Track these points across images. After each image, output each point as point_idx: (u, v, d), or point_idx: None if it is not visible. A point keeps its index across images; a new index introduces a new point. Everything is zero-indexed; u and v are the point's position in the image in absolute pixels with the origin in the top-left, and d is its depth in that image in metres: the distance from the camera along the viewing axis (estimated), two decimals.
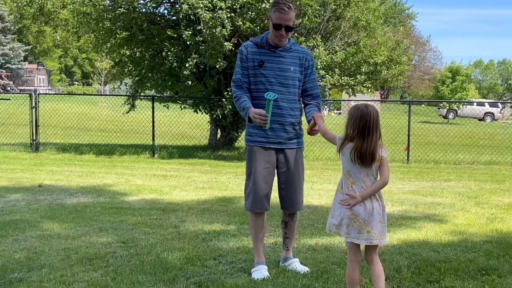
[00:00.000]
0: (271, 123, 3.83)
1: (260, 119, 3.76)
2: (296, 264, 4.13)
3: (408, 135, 13.12)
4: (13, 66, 54.72)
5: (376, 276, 3.25)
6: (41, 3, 14.28)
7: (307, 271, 4.04)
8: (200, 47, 11.83)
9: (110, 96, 19.93)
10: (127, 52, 14.20)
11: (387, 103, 40.15)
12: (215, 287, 3.68)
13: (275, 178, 4.09)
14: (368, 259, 3.28)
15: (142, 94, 14.99)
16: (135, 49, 13.85)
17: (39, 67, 62.06)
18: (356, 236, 3.19)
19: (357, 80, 13.69)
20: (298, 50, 4.09)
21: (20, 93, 21.49)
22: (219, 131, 14.70)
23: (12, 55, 54.58)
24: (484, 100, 47.13)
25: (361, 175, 3.18)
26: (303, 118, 4.12)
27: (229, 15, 11.50)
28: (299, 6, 11.94)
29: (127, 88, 15.06)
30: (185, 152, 13.30)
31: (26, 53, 60.68)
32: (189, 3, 11.37)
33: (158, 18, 13.52)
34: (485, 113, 39.27)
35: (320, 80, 13.69)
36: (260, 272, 3.89)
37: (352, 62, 13.75)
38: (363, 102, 3.52)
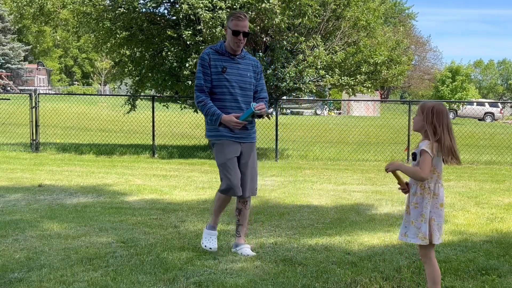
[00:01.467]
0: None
1: (239, 127, 4.41)
2: (246, 249, 4.55)
3: (408, 135, 13.12)
4: (13, 66, 54.69)
5: (438, 275, 3.33)
6: (41, 3, 14.27)
7: (253, 255, 4.47)
8: (200, 47, 11.82)
9: (110, 96, 19.92)
10: (127, 52, 14.20)
11: (387, 103, 40.14)
12: (215, 287, 3.68)
13: None
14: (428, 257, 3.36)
15: (142, 94, 14.99)
16: (135, 49, 13.85)
17: (39, 67, 62.03)
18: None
19: (357, 80, 13.67)
20: (250, 58, 4.68)
21: (20, 93, 21.48)
22: None
23: (12, 55, 54.55)
24: (484, 100, 47.10)
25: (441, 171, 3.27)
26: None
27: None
28: (299, 6, 11.94)
29: (127, 88, 15.05)
30: (185, 152, 13.30)
31: (26, 53, 60.66)
32: (189, 3, 11.36)
33: (158, 18, 13.51)
34: (485, 113, 39.26)
35: (320, 80, 13.69)
36: (209, 240, 4.49)
37: (352, 62, 13.73)
38: (432, 101, 3.59)
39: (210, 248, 4.48)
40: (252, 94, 4.60)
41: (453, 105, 37.10)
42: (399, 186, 3.36)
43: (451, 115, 38.32)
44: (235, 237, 4.69)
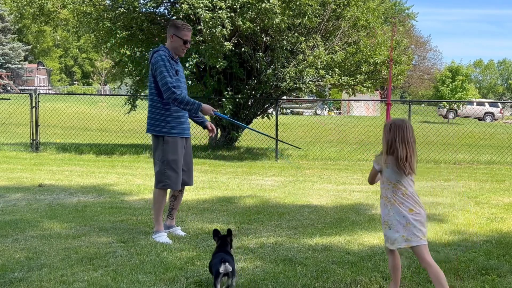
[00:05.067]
0: (183, 118, 5.10)
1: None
2: (178, 230, 5.19)
3: None
4: (13, 66, 54.72)
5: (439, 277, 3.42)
6: (41, 3, 14.25)
7: (186, 234, 5.12)
8: (200, 47, 11.83)
9: (110, 96, 19.90)
10: (127, 52, 14.19)
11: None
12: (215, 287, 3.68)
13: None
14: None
15: (142, 94, 14.99)
16: (135, 49, 13.84)
17: (39, 67, 62.07)
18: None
19: (357, 80, 13.66)
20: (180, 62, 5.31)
21: (20, 93, 21.47)
22: (219, 131, 14.69)
23: (12, 55, 54.57)
24: (484, 100, 47.08)
25: (410, 182, 3.42)
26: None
27: (229, 14, 11.50)
28: (299, 6, 11.93)
29: (127, 88, 15.04)
30: None
31: (26, 53, 60.68)
32: (189, 2, 11.36)
33: (158, 18, 13.51)
34: (485, 113, 39.24)
35: (320, 80, 13.68)
36: (163, 237, 4.89)
37: (352, 62, 13.73)
38: (398, 117, 3.72)
39: (167, 242, 4.84)
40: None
41: (453, 105, 37.06)
42: None
43: (451, 115, 38.35)
44: (167, 219, 5.26)
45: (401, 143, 3.31)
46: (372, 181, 3.59)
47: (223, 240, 3.76)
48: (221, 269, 3.42)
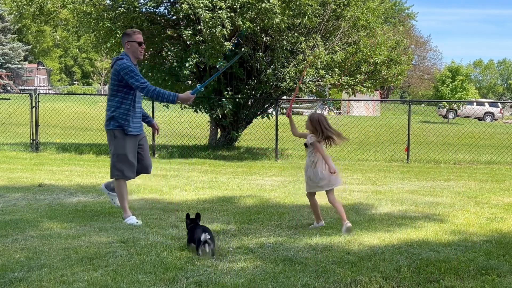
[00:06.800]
0: (137, 118, 5.72)
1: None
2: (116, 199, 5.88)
3: (408, 135, 13.12)
4: (13, 66, 54.74)
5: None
6: (41, 3, 14.24)
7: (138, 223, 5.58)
8: (200, 47, 11.82)
9: None
10: None
11: (387, 103, 40.19)
12: (215, 287, 3.68)
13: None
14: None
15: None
16: None
17: (39, 66, 62.09)
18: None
19: (357, 80, 13.66)
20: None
21: (20, 93, 21.47)
22: (219, 130, 14.69)
23: (12, 55, 54.59)
24: (484, 100, 47.11)
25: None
26: None
27: (229, 14, 11.50)
28: (299, 6, 11.93)
29: None
30: (185, 152, 13.30)
31: (26, 52, 60.70)
32: (189, 2, 11.36)
33: (158, 18, 13.50)
34: (485, 113, 39.28)
35: (320, 80, 13.68)
36: (132, 219, 5.61)
37: (352, 61, 13.73)
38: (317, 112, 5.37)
39: (137, 223, 5.55)
40: None
41: (453, 105, 37.07)
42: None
43: (451, 115, 38.41)
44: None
45: (326, 128, 5.38)
46: (320, 145, 5.45)
47: (195, 220, 4.67)
48: (202, 237, 4.22)
